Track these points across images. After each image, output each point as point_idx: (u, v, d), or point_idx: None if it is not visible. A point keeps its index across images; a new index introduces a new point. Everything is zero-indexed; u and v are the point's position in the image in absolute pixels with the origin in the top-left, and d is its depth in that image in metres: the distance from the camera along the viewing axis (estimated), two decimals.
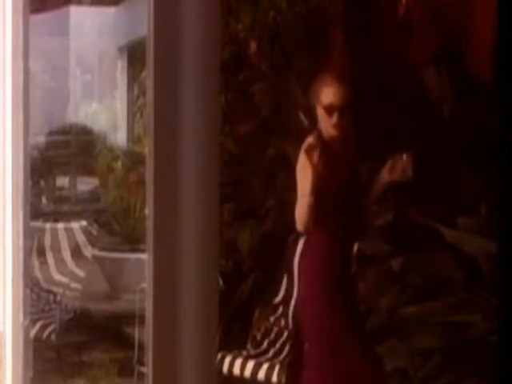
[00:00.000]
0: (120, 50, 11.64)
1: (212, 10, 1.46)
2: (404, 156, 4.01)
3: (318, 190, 4.02)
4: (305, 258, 4.26)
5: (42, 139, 10.54)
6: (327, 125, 4.06)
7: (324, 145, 4.06)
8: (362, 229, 4.39)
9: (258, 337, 5.21)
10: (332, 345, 4.10)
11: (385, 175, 4.14)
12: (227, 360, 4.87)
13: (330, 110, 4.03)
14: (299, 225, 4.11)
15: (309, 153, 4.00)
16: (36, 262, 6.76)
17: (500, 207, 2.98)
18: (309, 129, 4.17)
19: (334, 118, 4.02)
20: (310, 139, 4.05)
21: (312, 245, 4.20)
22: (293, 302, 5.27)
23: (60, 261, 7.07)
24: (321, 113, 4.06)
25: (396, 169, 4.07)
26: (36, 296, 6.18)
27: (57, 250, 7.11)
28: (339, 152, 4.13)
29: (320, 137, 4.08)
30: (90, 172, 10.65)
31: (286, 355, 5.04)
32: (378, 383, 4.15)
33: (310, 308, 4.19)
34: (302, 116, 4.33)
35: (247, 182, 6.04)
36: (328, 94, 4.04)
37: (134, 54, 11.29)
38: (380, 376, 4.18)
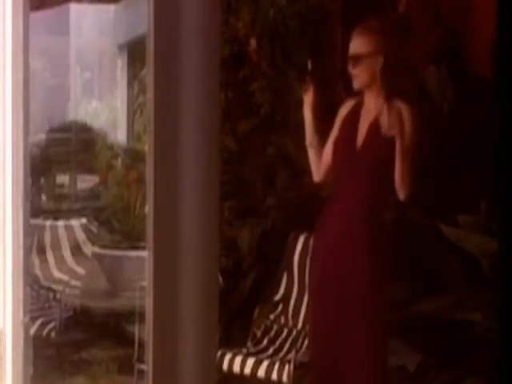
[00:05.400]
0: (120, 47, 11.64)
1: (212, 8, 1.46)
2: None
3: (339, 143, 4.09)
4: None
5: (42, 137, 10.55)
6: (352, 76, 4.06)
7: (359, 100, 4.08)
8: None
9: (258, 334, 5.22)
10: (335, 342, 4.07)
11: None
12: (227, 357, 4.87)
13: (352, 59, 4.02)
14: (314, 175, 4.24)
15: (306, 96, 4.10)
16: (36, 260, 6.77)
17: (500, 205, 2.98)
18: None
19: (356, 69, 4.02)
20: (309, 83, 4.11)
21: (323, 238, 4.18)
22: (293, 300, 5.27)
23: (60, 258, 7.06)
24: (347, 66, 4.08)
25: (386, 123, 3.97)
26: (36, 294, 6.19)
27: (57, 247, 7.11)
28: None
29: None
30: (90, 170, 10.66)
31: (286, 353, 5.04)
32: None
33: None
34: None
35: (247, 180, 6.04)
36: (352, 44, 4.05)
37: (133, 52, 11.30)
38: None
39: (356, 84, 4.04)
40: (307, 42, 5.90)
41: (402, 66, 4.69)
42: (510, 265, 2.82)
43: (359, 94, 4.09)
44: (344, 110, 4.15)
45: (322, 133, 4.18)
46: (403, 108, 3.95)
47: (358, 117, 4.07)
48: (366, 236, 4.00)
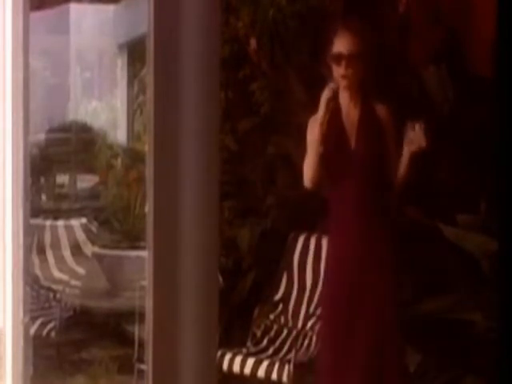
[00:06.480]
0: (120, 47, 11.64)
1: (212, 8, 1.46)
2: (416, 126, 3.99)
3: (330, 145, 4.02)
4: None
5: (42, 137, 10.54)
6: (337, 75, 4.03)
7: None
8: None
9: (258, 334, 5.22)
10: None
11: (405, 149, 4.06)
12: (227, 357, 4.87)
13: (338, 59, 4.01)
14: (305, 180, 4.05)
15: (329, 99, 3.96)
16: (36, 260, 6.77)
17: (500, 205, 2.98)
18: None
19: (342, 68, 4.01)
20: (331, 85, 3.99)
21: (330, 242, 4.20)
22: (292, 300, 5.27)
23: (60, 258, 7.06)
24: (332, 64, 4.05)
25: (412, 139, 4.00)
26: (36, 293, 6.19)
27: (57, 247, 7.11)
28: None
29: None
30: (89, 169, 10.66)
31: (286, 353, 5.04)
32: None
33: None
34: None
35: (247, 180, 6.04)
36: (337, 43, 4.04)
37: (133, 52, 11.30)
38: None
39: (336, 79, 4.04)
40: (307, 41, 5.90)
41: (391, 66, 4.69)
42: (510, 265, 2.82)
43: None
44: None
45: None
46: (380, 109, 4.07)
47: (340, 121, 4.07)
48: (382, 231, 4.05)
